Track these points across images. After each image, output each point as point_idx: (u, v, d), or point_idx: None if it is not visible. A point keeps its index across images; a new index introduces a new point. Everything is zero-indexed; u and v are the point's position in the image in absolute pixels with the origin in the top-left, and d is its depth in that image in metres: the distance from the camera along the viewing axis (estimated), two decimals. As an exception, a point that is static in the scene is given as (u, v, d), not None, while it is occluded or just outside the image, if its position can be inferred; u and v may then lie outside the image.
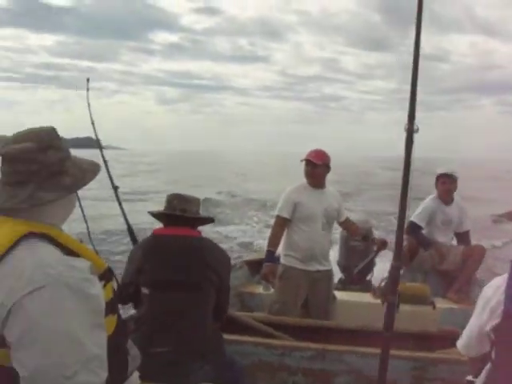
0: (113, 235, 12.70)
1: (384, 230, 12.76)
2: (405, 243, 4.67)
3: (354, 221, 5.39)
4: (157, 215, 3.21)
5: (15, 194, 1.57)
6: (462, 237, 5.84)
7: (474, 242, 5.94)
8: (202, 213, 3.27)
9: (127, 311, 3.20)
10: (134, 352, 1.86)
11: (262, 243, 13.38)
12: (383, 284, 4.24)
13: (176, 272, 2.93)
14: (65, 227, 1.73)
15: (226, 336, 3.40)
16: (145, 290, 2.95)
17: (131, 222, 3.89)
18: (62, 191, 1.61)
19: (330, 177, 4.79)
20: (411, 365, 3.25)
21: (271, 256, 4.65)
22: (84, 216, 2.37)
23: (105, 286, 1.62)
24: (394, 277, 2.35)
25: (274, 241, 4.67)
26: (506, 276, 1.88)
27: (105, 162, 3.68)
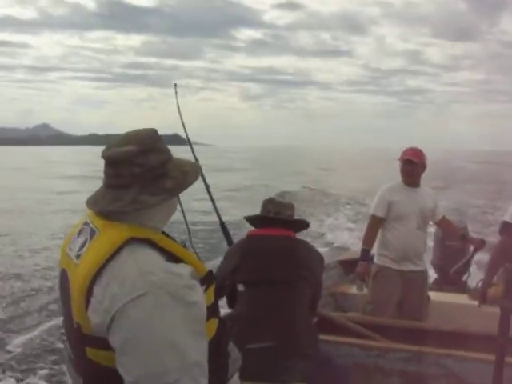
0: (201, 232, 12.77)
1: (473, 222, 12.33)
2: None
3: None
4: (251, 219, 3.32)
5: (119, 197, 1.58)
6: None
7: None
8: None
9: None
10: (234, 354, 1.85)
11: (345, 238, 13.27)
12: (480, 285, 4.14)
13: (272, 271, 3.02)
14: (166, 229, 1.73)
15: (321, 336, 3.46)
16: (241, 288, 3.04)
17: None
18: (164, 194, 1.60)
19: None
20: None
21: (366, 255, 4.67)
22: (185, 219, 2.33)
23: (206, 289, 1.61)
24: (509, 280, 2.29)
25: (368, 240, 4.70)
26: None
27: (196, 159, 3.70)
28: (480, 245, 4.71)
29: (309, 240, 3.55)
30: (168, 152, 1.68)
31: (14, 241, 13.97)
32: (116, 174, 1.60)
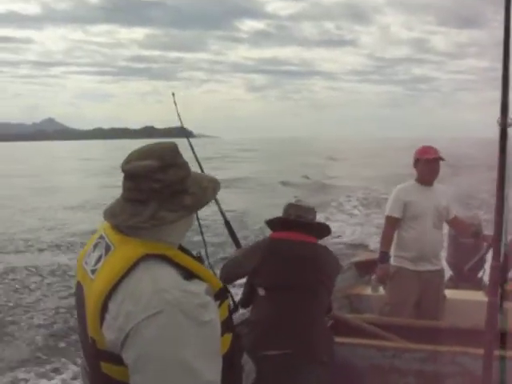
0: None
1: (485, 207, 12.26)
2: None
3: (463, 217, 5.27)
4: (272, 221, 3.32)
5: (138, 212, 1.57)
6: None
7: None
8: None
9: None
10: (248, 367, 1.86)
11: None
12: None
13: (293, 276, 3.03)
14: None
15: (336, 339, 3.47)
16: (261, 292, 3.05)
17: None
18: (183, 211, 1.58)
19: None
20: None
21: (385, 257, 4.66)
22: (201, 231, 2.31)
23: (220, 305, 1.60)
24: (493, 278, 2.25)
25: (386, 241, 4.68)
26: None
27: (194, 154, 3.55)
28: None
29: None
30: (187, 167, 1.67)
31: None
32: (135, 188, 1.59)
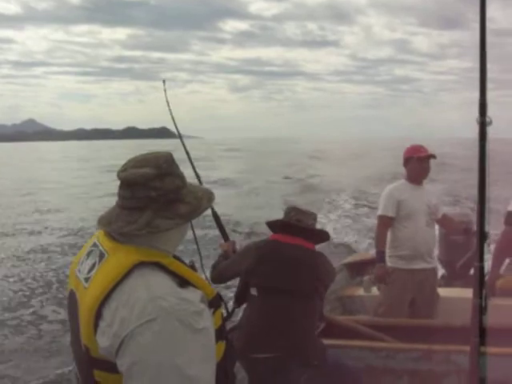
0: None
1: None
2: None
3: (454, 214, 5.27)
4: (272, 223, 3.31)
5: (133, 219, 1.58)
6: None
7: None
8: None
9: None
10: (241, 376, 1.91)
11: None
12: (487, 278, 4.09)
13: (287, 279, 3.02)
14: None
15: (329, 341, 3.43)
16: (254, 292, 3.04)
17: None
18: (178, 219, 1.60)
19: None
20: None
21: (382, 256, 4.60)
22: (196, 240, 2.34)
23: (214, 312, 1.61)
24: (478, 279, 2.23)
25: (381, 241, 4.64)
26: None
27: (187, 153, 3.66)
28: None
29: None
30: (183, 177, 1.69)
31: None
32: (131, 196, 1.60)
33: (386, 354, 3.42)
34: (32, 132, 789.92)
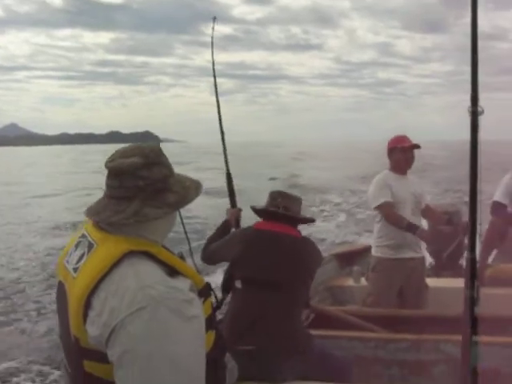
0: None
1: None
2: (487, 226, 4.53)
3: (441, 205, 5.28)
4: (259, 211, 3.26)
5: (121, 209, 1.58)
6: None
7: None
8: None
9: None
10: (231, 365, 1.86)
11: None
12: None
13: (271, 271, 2.97)
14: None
15: (318, 331, 3.44)
16: (238, 285, 3.00)
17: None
18: (166, 208, 1.61)
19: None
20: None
21: (412, 225, 4.41)
22: (185, 231, 2.31)
23: (204, 301, 1.62)
24: (470, 270, 2.22)
25: (399, 217, 4.46)
26: None
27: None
28: (466, 228, 4.66)
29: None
30: (170, 167, 1.70)
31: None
32: (119, 185, 1.60)
33: (376, 344, 3.43)
34: (14, 136, 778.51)
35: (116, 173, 1.61)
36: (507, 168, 5.55)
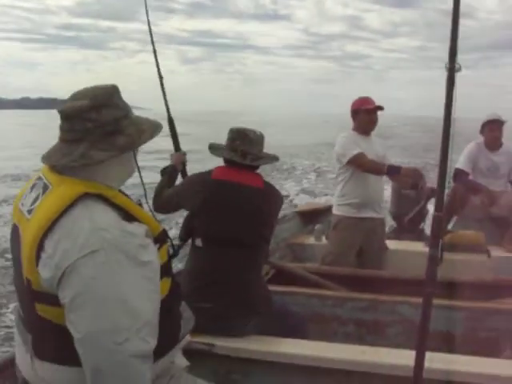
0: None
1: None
2: (448, 191, 4.58)
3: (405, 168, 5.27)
4: (216, 150, 3.08)
5: (69, 151, 1.57)
6: None
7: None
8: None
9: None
10: (187, 315, 1.85)
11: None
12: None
13: (235, 229, 2.87)
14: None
15: (278, 287, 3.44)
16: (198, 243, 2.89)
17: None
18: (114, 151, 1.58)
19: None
20: (465, 315, 3.23)
21: (394, 167, 4.41)
22: (141, 177, 2.22)
23: (159, 248, 1.61)
24: (435, 228, 2.17)
25: (377, 165, 4.44)
26: None
27: None
28: (432, 192, 4.71)
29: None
30: (125, 109, 1.66)
31: None
32: (69, 128, 1.59)
33: (333, 302, 3.45)
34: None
35: (66, 116, 1.60)
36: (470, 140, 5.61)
